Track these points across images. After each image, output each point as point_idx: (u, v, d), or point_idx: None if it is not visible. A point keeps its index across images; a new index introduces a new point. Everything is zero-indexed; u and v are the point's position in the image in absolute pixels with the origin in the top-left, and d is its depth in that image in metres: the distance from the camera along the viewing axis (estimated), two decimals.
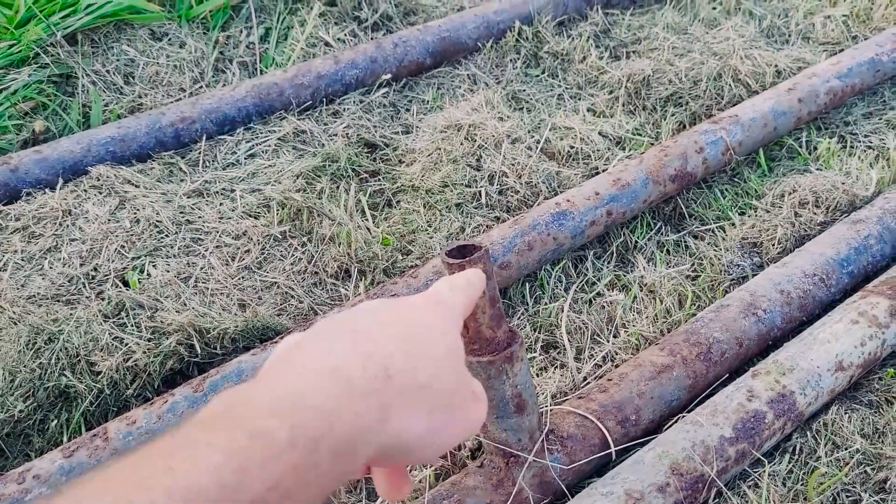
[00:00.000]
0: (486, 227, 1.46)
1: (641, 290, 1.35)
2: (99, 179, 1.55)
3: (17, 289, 1.33)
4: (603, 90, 1.82)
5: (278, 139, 1.68)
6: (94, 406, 1.17)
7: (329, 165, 1.59)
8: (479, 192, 1.51)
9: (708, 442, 0.98)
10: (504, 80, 1.88)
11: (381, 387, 0.41)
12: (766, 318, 1.20)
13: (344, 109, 1.77)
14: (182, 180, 1.59)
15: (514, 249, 1.30)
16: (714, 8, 2.13)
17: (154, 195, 1.52)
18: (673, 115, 1.73)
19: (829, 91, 1.70)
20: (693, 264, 1.41)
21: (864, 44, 1.84)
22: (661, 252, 1.45)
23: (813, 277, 1.26)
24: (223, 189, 1.57)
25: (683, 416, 1.05)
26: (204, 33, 1.96)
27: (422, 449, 0.45)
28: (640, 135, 1.70)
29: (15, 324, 1.24)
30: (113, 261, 1.39)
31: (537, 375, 1.20)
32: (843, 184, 1.51)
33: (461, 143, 1.59)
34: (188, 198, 1.54)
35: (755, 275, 1.35)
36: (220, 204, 1.52)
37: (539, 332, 1.29)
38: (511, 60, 1.93)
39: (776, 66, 1.84)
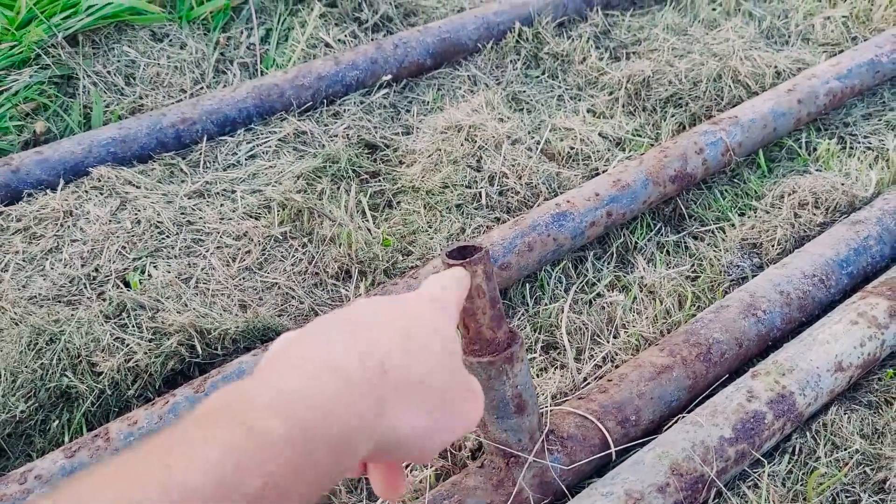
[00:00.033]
0: (487, 227, 1.46)
1: (641, 291, 1.36)
2: (100, 180, 1.55)
3: (19, 289, 1.34)
4: (603, 91, 1.83)
5: (279, 140, 1.69)
6: (96, 406, 1.18)
7: (329, 166, 1.59)
8: (480, 192, 1.52)
9: (708, 442, 0.98)
10: (504, 81, 1.88)
11: (378, 382, 0.42)
12: (766, 319, 1.20)
13: (344, 110, 1.78)
14: (183, 181, 1.59)
15: (515, 250, 1.31)
16: (714, 9, 2.13)
17: (155, 196, 1.53)
18: (673, 116, 1.73)
19: (828, 92, 1.70)
20: (693, 265, 1.41)
21: (863, 45, 1.84)
22: (661, 253, 1.45)
23: (812, 278, 1.26)
24: (224, 190, 1.57)
25: (683, 417, 1.05)
26: (205, 34, 1.96)
27: (418, 445, 0.45)
28: (639, 136, 1.70)
29: (16, 324, 1.25)
30: (114, 261, 1.39)
31: (537, 376, 1.20)
32: (842, 185, 1.51)
33: (461, 144, 1.59)
34: (189, 199, 1.54)
35: (755, 276, 1.35)
36: (221, 205, 1.52)
37: (539, 333, 1.29)
38: (511, 61, 1.93)
39: (776, 67, 1.85)
